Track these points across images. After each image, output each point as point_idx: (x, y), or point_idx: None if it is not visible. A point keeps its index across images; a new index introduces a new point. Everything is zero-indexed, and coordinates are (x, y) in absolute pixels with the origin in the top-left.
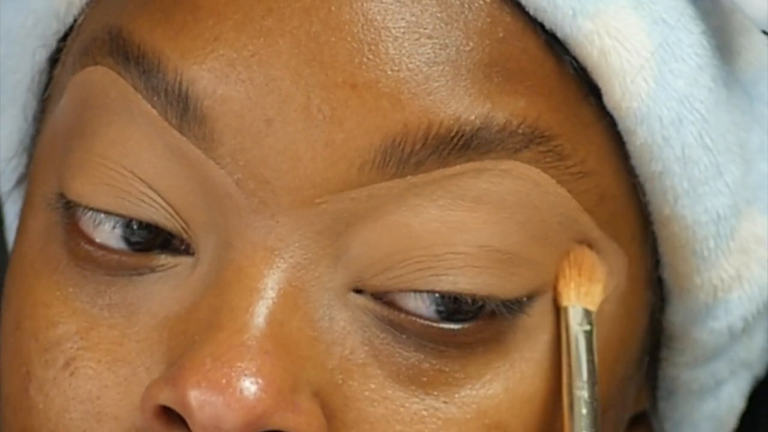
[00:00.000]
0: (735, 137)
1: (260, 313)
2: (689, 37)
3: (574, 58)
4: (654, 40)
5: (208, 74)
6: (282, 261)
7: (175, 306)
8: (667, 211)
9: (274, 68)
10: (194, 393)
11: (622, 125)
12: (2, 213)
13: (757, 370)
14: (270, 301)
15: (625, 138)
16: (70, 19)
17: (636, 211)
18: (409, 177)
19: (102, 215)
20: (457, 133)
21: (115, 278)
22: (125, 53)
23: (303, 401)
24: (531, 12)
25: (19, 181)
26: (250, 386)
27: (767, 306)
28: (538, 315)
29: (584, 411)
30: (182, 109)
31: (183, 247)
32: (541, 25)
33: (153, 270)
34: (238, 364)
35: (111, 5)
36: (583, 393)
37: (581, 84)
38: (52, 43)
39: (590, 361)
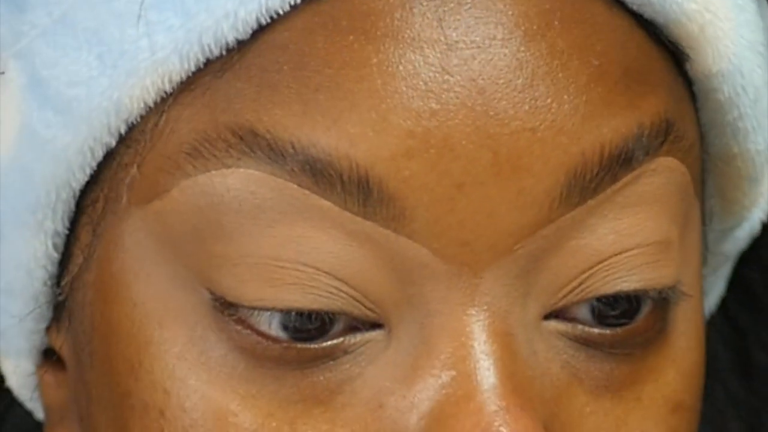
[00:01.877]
0: None
1: (492, 371)
2: None
3: (666, 38)
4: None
5: (386, 155)
6: (490, 314)
7: (383, 382)
8: (735, 149)
9: (452, 133)
10: None
11: (706, 86)
12: None
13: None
14: (495, 357)
15: (705, 96)
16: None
17: (702, 155)
18: (589, 202)
19: (281, 314)
20: (623, 148)
21: (309, 370)
22: (277, 152)
23: None
24: (635, 8)
25: None
26: None
27: None
28: (686, 288)
29: None
30: (364, 196)
31: (368, 325)
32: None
33: (346, 352)
34: (503, 430)
35: (214, 102)
36: None
37: (676, 60)
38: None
39: None
